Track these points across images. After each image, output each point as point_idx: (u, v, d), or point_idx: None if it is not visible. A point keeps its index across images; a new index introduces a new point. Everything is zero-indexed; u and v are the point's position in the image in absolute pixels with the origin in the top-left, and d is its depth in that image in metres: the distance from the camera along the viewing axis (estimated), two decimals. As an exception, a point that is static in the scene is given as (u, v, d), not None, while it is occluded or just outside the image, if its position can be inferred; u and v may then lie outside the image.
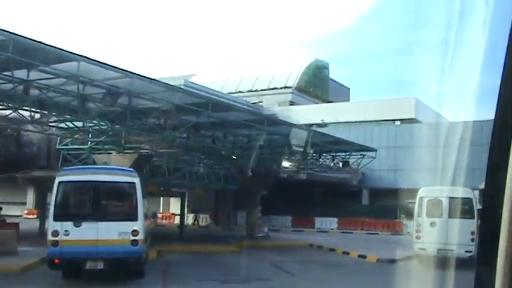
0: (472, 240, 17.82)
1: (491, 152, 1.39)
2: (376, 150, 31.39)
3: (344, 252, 23.77)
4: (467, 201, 18.24)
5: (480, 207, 22.35)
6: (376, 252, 22.49)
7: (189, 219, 46.63)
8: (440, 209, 18.61)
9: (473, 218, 18.05)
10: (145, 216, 15.41)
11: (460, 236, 18.21)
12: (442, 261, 18.78)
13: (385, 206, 46.54)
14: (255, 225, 31.64)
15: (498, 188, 1.30)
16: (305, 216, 45.91)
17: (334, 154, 31.11)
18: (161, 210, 48.94)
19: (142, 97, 17.45)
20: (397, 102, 56.93)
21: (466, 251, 17.72)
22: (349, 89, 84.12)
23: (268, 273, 16.74)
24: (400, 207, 42.93)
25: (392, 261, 20.58)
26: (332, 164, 32.23)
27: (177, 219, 44.98)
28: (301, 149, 28.58)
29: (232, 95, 60.83)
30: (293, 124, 28.14)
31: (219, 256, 21.66)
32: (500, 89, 1.34)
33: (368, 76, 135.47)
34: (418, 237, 18.84)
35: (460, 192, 18.57)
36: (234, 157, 28.51)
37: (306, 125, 40.31)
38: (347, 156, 30.95)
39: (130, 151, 22.81)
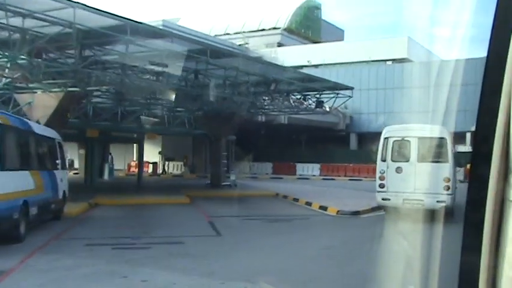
0: (447, 188, 14.73)
1: (483, 91, 1.31)
2: (352, 88, 27.96)
3: (307, 203, 20.77)
4: (440, 142, 15.03)
5: (456, 150, 19.78)
6: (341, 203, 19.50)
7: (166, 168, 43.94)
8: (407, 152, 15.43)
9: (447, 161, 14.90)
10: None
11: (431, 183, 15.11)
12: (409, 213, 15.89)
13: (372, 151, 43.46)
14: (219, 173, 28.61)
15: (490, 129, 1.25)
16: (287, 162, 42.95)
17: (305, 93, 27.71)
18: (134, 158, 45.98)
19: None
20: (389, 41, 53.98)
21: (438, 201, 14.67)
22: (343, 31, 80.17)
23: (192, 232, 13.76)
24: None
25: (355, 213, 17.66)
26: (305, 105, 28.91)
27: (151, 168, 42.36)
28: (266, 88, 25.32)
29: (219, 37, 57.64)
30: (264, 61, 24.35)
31: (157, 210, 18.69)
32: (493, 26, 1.27)
33: (363, 18, 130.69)
34: (381, 186, 15.67)
35: (432, 131, 15.39)
36: (195, 98, 25.33)
37: (293, 67, 37.22)
38: (319, 96, 27.56)
39: (58, 90, 19.49)
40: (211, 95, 23.29)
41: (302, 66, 49.31)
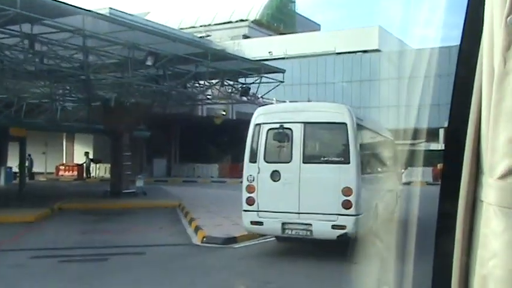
0: (347, 205, 9.04)
1: (455, 85, 1.26)
2: (283, 71, 22.25)
3: (191, 220, 14.78)
4: (338, 131, 9.33)
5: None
6: (227, 221, 13.80)
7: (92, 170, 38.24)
8: (288, 147, 9.71)
9: (348, 162, 9.22)
10: None
11: (323, 199, 9.37)
12: (290, 246, 10.21)
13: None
14: (121, 177, 22.76)
15: (461, 126, 1.21)
16: (235, 163, 36.83)
17: (228, 79, 22.06)
18: (64, 161, 40.11)
19: None
20: (360, 32, 49.16)
21: (334, 226, 9.02)
22: (319, 25, 75.41)
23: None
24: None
25: (228, 241, 11.70)
26: (230, 93, 23.32)
27: (77, 171, 36.82)
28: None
29: (185, 30, 54.18)
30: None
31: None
32: (466, 12, 1.22)
33: (339, 9, 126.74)
34: (249, 202, 9.94)
35: (327, 112, 9.76)
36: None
37: (256, 60, 32.43)
38: (245, 81, 21.92)
39: None
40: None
41: (266, 60, 45.36)
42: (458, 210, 1.20)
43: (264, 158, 9.73)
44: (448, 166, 1.32)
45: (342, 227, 9.03)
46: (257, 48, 51.27)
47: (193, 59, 18.41)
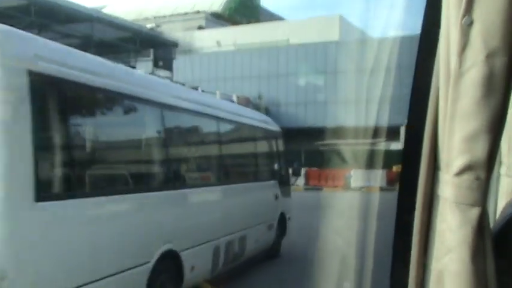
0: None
1: (414, 82, 1.30)
2: (176, 46, 18.59)
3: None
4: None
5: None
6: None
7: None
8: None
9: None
10: None
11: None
12: None
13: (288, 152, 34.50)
14: None
15: (420, 122, 1.24)
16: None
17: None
18: None
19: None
20: (319, 21, 47.34)
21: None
22: (284, 19, 72.75)
23: None
24: (305, 153, 31.98)
25: None
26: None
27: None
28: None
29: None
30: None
31: None
32: (425, 12, 1.27)
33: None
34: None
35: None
36: None
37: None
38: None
39: None
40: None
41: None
42: (416, 206, 1.23)
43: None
44: (407, 163, 1.36)
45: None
46: (208, 39, 49.79)
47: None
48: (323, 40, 45.42)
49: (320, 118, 36.64)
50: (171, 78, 24.98)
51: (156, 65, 19.65)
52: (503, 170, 1.76)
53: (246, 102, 34.88)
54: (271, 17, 67.25)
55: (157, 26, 54.04)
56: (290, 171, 11.99)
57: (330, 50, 40.33)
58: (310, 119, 38.79)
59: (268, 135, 10.60)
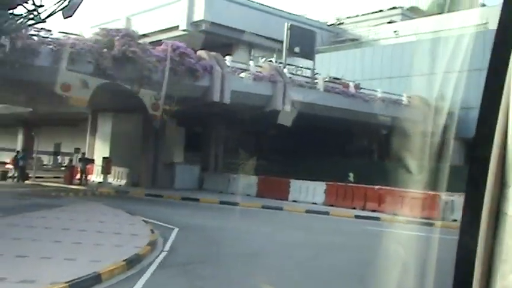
0: None
1: (484, 94, 1.26)
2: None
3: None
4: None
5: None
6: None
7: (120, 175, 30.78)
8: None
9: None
10: None
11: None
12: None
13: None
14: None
15: (488, 138, 1.23)
16: (281, 175, 28.10)
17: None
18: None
19: None
20: None
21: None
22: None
23: None
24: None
25: None
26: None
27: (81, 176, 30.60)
28: None
29: None
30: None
31: None
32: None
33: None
34: None
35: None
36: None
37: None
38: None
39: None
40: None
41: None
42: (481, 221, 1.21)
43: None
44: (473, 177, 1.31)
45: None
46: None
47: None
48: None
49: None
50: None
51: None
52: None
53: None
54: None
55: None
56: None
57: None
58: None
59: None
